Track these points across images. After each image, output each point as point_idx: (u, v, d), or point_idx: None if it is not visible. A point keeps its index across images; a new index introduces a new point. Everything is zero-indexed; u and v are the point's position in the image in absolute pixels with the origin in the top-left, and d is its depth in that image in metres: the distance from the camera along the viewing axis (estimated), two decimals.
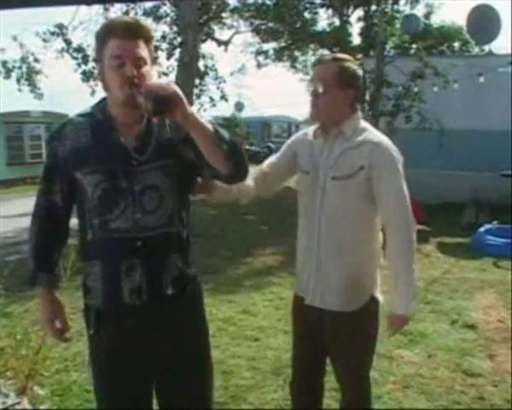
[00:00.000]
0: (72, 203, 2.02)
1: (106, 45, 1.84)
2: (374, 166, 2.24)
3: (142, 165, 1.89)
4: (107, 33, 1.85)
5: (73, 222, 2.05)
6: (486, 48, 13.67)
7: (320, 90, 2.26)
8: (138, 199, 1.88)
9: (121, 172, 1.87)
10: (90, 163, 1.88)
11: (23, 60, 12.55)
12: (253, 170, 2.42)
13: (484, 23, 8.89)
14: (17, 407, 3.15)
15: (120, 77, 1.82)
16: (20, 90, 12.63)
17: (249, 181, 2.36)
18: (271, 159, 2.60)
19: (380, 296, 2.39)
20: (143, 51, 1.85)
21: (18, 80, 12.51)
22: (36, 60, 12.69)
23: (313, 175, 2.33)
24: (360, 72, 2.36)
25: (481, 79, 11.28)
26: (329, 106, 2.29)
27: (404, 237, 2.23)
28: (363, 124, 2.36)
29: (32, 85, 12.72)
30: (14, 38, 12.30)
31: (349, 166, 2.26)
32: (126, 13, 13.64)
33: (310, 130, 2.48)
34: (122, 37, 1.82)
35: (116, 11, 13.78)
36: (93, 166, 1.88)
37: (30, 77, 12.62)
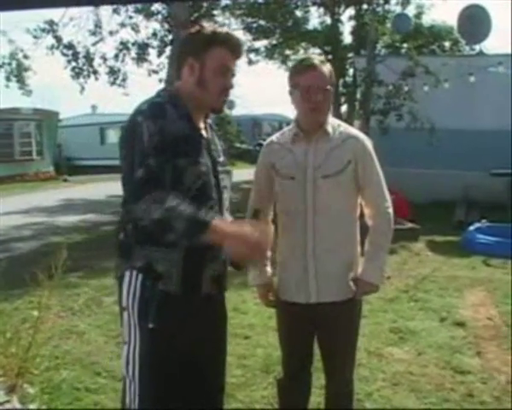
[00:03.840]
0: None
1: (213, 50, 1.95)
2: (358, 159, 2.38)
3: (220, 166, 2.06)
4: (216, 40, 1.95)
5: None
6: (477, 47, 13.75)
7: (326, 95, 2.33)
8: (222, 197, 2.05)
9: (212, 169, 2.00)
10: (196, 153, 1.93)
11: (12, 56, 12.48)
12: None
13: (474, 23, 8.95)
14: (7, 405, 3.13)
15: (224, 85, 2.00)
16: (7, 86, 12.59)
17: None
18: (255, 196, 2.55)
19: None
20: None
21: (7, 77, 12.45)
22: (25, 56, 12.63)
23: (300, 178, 2.37)
24: None
25: (472, 79, 11.35)
26: (328, 108, 2.41)
27: (387, 220, 2.43)
28: (334, 119, 2.47)
29: (21, 82, 12.65)
30: (4, 34, 12.27)
31: (338, 162, 2.35)
32: (116, 10, 13.60)
33: (275, 138, 2.52)
34: (233, 52, 2.01)
35: (107, 8, 13.74)
36: (197, 158, 1.93)
37: (19, 73, 12.55)
